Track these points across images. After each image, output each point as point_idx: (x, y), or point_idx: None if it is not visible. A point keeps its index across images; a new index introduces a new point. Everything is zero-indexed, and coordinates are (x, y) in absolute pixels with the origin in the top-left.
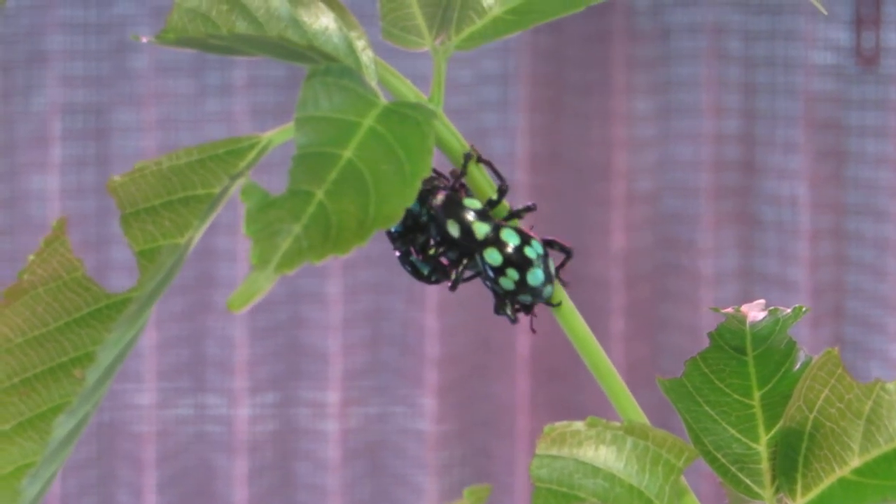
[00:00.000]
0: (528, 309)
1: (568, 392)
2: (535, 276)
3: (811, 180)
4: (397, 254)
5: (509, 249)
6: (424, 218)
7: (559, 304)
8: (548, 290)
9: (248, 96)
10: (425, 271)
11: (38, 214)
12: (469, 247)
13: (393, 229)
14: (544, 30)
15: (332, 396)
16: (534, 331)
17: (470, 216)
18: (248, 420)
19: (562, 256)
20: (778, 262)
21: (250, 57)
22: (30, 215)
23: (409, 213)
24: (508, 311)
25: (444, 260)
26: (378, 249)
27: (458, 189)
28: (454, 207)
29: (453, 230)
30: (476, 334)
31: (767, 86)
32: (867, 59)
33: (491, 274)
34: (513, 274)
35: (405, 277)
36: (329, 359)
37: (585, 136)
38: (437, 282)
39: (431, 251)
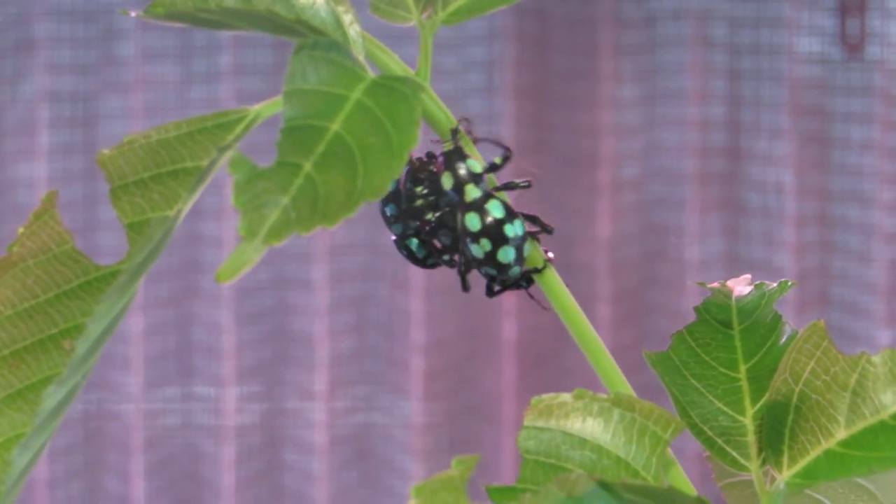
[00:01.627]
0: (519, 284)
1: (554, 378)
2: (506, 254)
3: (797, 166)
4: (393, 237)
5: (489, 220)
6: (420, 201)
7: (544, 268)
8: (515, 270)
9: (233, 83)
10: (421, 255)
11: (26, 202)
12: (454, 203)
13: (388, 212)
14: (530, 16)
15: (319, 382)
16: (545, 308)
17: (466, 175)
18: (234, 405)
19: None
20: (764, 247)
21: (238, 31)
22: (17, 202)
23: (405, 195)
24: (495, 287)
25: (437, 243)
26: (363, 235)
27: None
28: (456, 161)
29: (447, 182)
30: (463, 320)
31: (753, 72)
32: (852, 46)
33: (466, 238)
34: (485, 244)
35: (391, 263)
36: (315, 344)
37: (571, 122)
38: (433, 266)
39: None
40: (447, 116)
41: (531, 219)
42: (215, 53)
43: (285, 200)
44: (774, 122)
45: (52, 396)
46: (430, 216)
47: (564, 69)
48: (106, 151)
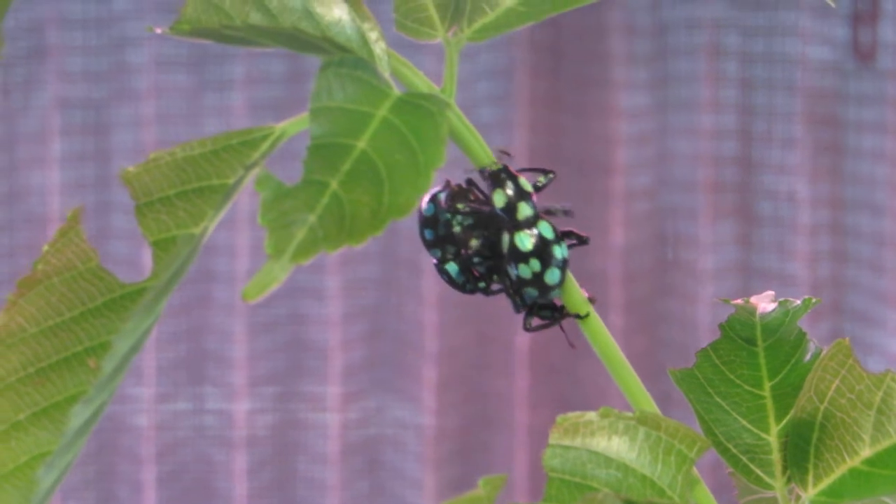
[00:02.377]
0: (552, 316)
1: (566, 387)
2: (553, 276)
3: (809, 175)
4: (434, 261)
5: (540, 241)
6: (457, 228)
7: (586, 316)
8: (555, 293)
9: (246, 91)
10: (460, 280)
11: (38, 210)
12: (502, 223)
13: (428, 237)
14: (542, 25)
15: (332, 392)
16: (572, 346)
17: (518, 194)
18: (246, 414)
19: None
20: (776, 257)
21: (263, 48)
22: (30, 211)
23: (443, 221)
24: (529, 321)
25: (476, 270)
26: (377, 245)
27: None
28: (507, 180)
29: (499, 200)
30: (475, 329)
31: (765, 81)
32: (864, 55)
33: (513, 258)
34: (535, 265)
35: (404, 273)
36: (328, 354)
37: (584, 131)
38: (472, 291)
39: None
40: (473, 134)
41: (567, 234)
42: (228, 62)
43: (312, 219)
44: (787, 132)
45: (78, 415)
46: (472, 241)
47: (577, 78)
48: (131, 169)
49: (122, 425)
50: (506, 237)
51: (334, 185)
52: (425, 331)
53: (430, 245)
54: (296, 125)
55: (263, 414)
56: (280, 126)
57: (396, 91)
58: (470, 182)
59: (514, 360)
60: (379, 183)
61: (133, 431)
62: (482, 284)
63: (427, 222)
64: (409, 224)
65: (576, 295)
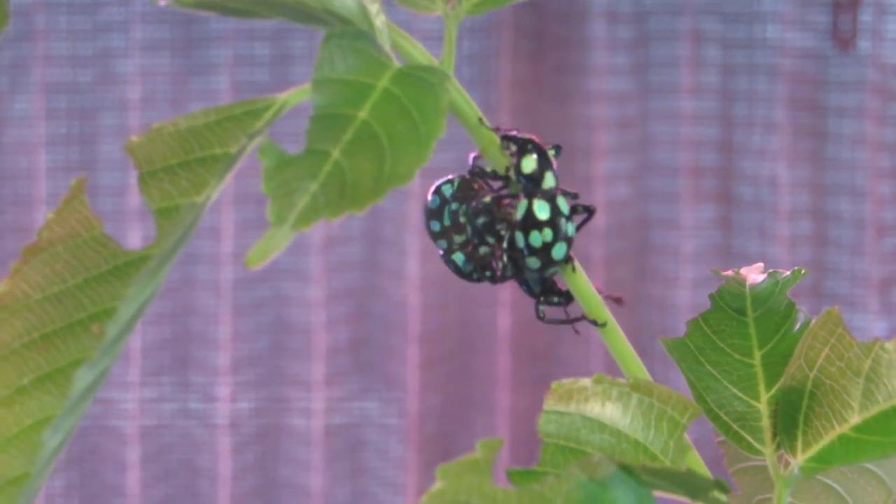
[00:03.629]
0: (565, 299)
1: (548, 369)
2: (560, 250)
3: (790, 160)
4: (440, 252)
5: (558, 212)
6: (463, 218)
7: (604, 325)
8: (553, 269)
9: (231, 75)
10: (467, 270)
11: (25, 192)
12: (526, 189)
13: (434, 228)
14: (525, 9)
15: (315, 372)
16: (577, 332)
17: (546, 164)
18: (231, 395)
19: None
20: (757, 240)
21: (266, 20)
22: (17, 193)
23: (452, 211)
24: (540, 308)
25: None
26: (360, 227)
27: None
28: (536, 150)
29: (527, 165)
30: (458, 311)
31: (746, 66)
32: (844, 41)
33: (526, 225)
34: (547, 234)
35: (388, 254)
36: (312, 335)
37: (566, 115)
38: (478, 280)
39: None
40: (471, 107)
41: (574, 209)
42: (213, 46)
43: (314, 186)
44: (767, 117)
45: (82, 379)
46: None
47: (559, 63)
48: (135, 139)
49: (108, 406)
50: (523, 203)
51: (336, 154)
52: (408, 312)
53: (436, 236)
54: (298, 95)
55: (247, 394)
56: (282, 96)
57: (396, 63)
58: (475, 167)
59: (497, 342)
60: (380, 152)
61: (118, 412)
62: (489, 273)
63: (433, 214)
64: (392, 206)
65: (590, 297)
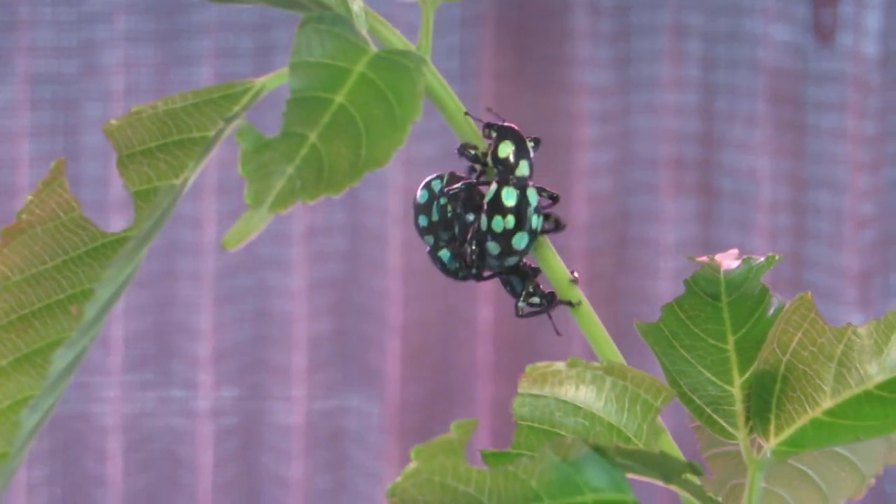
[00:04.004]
0: (542, 303)
1: (528, 360)
2: (520, 240)
3: (770, 153)
4: (427, 248)
5: (525, 202)
6: (450, 213)
7: (578, 304)
8: (512, 259)
9: (213, 66)
10: (453, 267)
11: (8, 181)
12: (498, 174)
13: (422, 223)
14: (507, 2)
15: (296, 361)
16: (559, 333)
17: (523, 152)
18: (212, 385)
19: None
20: (737, 232)
21: (247, 5)
22: (0, 182)
23: (439, 206)
24: (519, 306)
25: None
26: (342, 217)
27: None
28: (515, 137)
29: (503, 150)
30: (440, 303)
31: (727, 60)
32: (825, 35)
33: (492, 209)
34: (510, 221)
35: (369, 245)
36: (293, 325)
37: (548, 108)
38: (463, 278)
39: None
40: (447, 91)
41: (547, 217)
42: (196, 37)
43: (291, 169)
44: (748, 110)
45: (61, 359)
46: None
47: (541, 56)
48: (114, 121)
49: (89, 395)
50: (493, 188)
51: (313, 137)
52: (390, 303)
53: (423, 232)
54: (276, 79)
55: (229, 384)
56: (260, 80)
57: (373, 48)
58: (453, 176)
59: (478, 333)
60: (357, 136)
61: (99, 401)
62: (474, 271)
63: (421, 209)
64: (374, 196)
65: (562, 277)
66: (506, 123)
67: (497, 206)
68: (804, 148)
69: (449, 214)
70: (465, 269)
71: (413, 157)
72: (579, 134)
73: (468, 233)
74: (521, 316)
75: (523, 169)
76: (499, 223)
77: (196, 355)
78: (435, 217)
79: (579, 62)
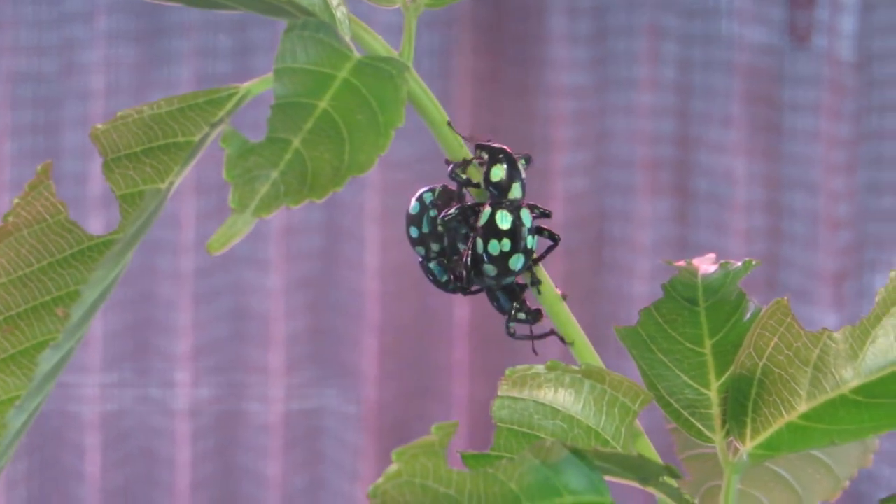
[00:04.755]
0: (532, 317)
1: (504, 359)
2: (517, 261)
3: (745, 154)
4: (419, 259)
5: (519, 224)
6: (441, 227)
7: (572, 343)
8: (509, 279)
9: (193, 66)
10: (443, 279)
11: None
12: (491, 198)
13: (414, 235)
14: (484, 3)
15: (274, 360)
16: (536, 353)
17: (515, 175)
18: (190, 383)
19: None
20: (713, 233)
21: (231, 11)
22: None
23: (430, 219)
24: (510, 325)
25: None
26: (319, 216)
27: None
28: (507, 160)
29: (496, 174)
30: (416, 301)
31: (703, 62)
32: (800, 37)
33: (487, 233)
34: (505, 244)
35: (346, 244)
36: (270, 323)
37: (525, 109)
38: (454, 290)
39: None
40: (430, 98)
41: (540, 231)
42: (176, 37)
43: (275, 174)
44: (724, 111)
45: (47, 360)
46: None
47: (518, 57)
48: (100, 126)
49: (68, 392)
50: (487, 211)
51: (297, 142)
52: (367, 302)
53: (414, 243)
54: (260, 85)
55: (207, 382)
56: (245, 85)
57: (357, 54)
58: (446, 189)
59: (454, 332)
60: (340, 141)
61: (78, 398)
62: (462, 284)
63: (412, 220)
64: (351, 196)
65: (550, 294)
66: (496, 145)
67: (492, 230)
68: (780, 149)
69: (440, 228)
70: (454, 281)
71: (390, 157)
72: (556, 134)
73: (464, 254)
74: (514, 337)
75: (516, 192)
76: (495, 247)
77: (174, 353)
78: (425, 229)
79: (556, 63)
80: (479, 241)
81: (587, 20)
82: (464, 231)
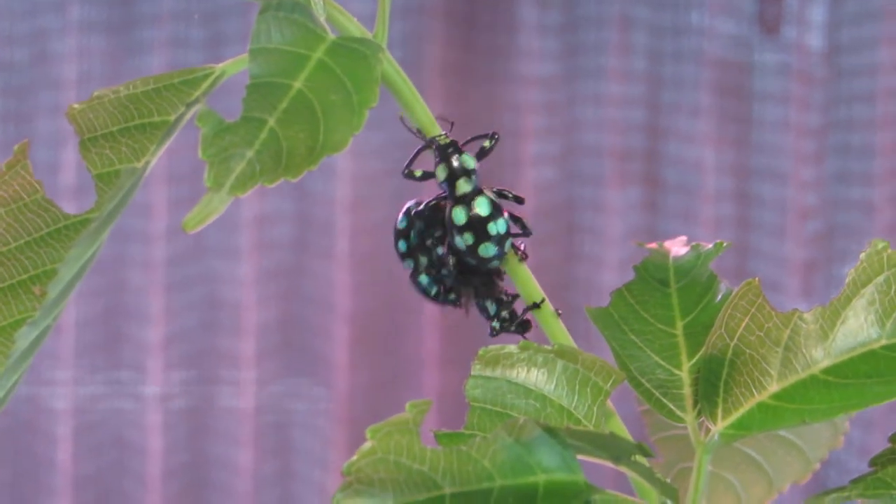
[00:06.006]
0: (520, 328)
1: (474, 348)
2: (487, 249)
3: (714, 144)
4: (409, 272)
5: (474, 216)
6: (430, 241)
7: (542, 302)
8: (494, 263)
9: (165, 55)
10: (432, 291)
11: None
12: (448, 192)
13: (402, 248)
14: None
15: (245, 349)
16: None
17: (459, 169)
18: (162, 372)
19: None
20: (682, 222)
21: None
22: None
23: (416, 231)
24: (495, 325)
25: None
26: (291, 206)
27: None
28: (451, 155)
29: (440, 174)
30: (387, 291)
31: (673, 52)
32: (770, 27)
33: (451, 229)
34: (468, 238)
35: (317, 234)
36: (241, 312)
37: (495, 98)
38: (444, 302)
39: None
40: (403, 79)
41: (515, 219)
42: (148, 27)
43: (250, 153)
44: (693, 101)
45: (24, 337)
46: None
47: (488, 47)
48: (76, 105)
49: (39, 379)
50: (447, 209)
51: (272, 122)
52: (338, 292)
53: (403, 256)
54: (235, 65)
55: (178, 370)
56: (220, 66)
57: (331, 35)
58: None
59: (424, 321)
60: (315, 121)
61: (49, 385)
62: (452, 297)
63: (400, 234)
64: (322, 185)
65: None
66: (444, 141)
67: (454, 227)
68: (749, 139)
69: (428, 241)
70: (444, 294)
71: (361, 145)
72: (526, 124)
73: (445, 255)
74: (495, 335)
75: (463, 187)
76: (461, 241)
77: (145, 342)
78: (413, 241)
79: (526, 53)
80: (449, 237)
81: (557, 10)
82: (430, 224)
